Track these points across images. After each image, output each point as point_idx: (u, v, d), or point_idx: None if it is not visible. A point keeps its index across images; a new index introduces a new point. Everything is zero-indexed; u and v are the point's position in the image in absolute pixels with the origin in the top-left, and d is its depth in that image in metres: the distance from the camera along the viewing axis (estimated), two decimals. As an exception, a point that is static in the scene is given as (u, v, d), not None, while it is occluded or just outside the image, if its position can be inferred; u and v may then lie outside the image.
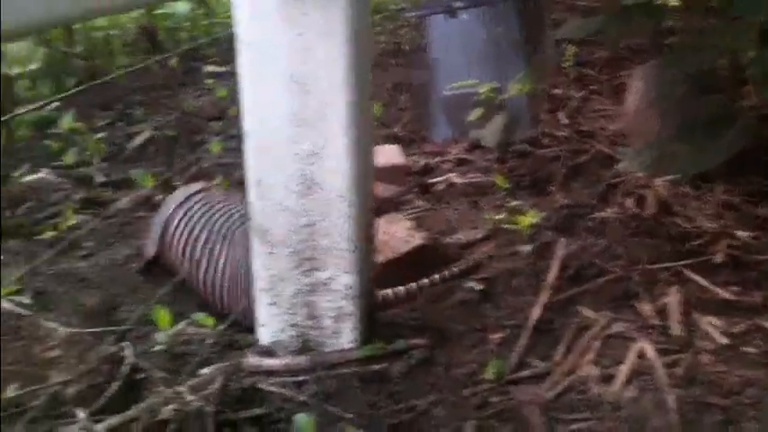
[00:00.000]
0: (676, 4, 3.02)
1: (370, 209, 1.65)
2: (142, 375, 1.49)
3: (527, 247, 2.04)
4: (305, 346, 1.61)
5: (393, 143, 3.05)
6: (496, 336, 1.68)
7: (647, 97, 2.52)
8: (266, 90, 1.51)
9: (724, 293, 1.77)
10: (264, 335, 1.62)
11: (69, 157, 2.76)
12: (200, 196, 1.94)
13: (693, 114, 2.30)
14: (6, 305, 1.41)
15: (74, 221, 2.30)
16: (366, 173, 1.60)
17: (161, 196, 2.38)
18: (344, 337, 1.60)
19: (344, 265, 1.57)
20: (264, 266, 1.59)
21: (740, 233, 2.00)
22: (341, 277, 1.57)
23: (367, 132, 1.60)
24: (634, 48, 4.14)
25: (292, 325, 1.61)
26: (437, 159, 2.84)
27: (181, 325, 1.61)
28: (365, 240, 1.62)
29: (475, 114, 2.79)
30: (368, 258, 1.64)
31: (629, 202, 2.26)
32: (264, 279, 1.59)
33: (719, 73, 2.62)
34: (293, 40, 1.47)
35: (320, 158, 1.52)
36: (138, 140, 2.93)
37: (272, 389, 1.51)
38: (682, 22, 3.72)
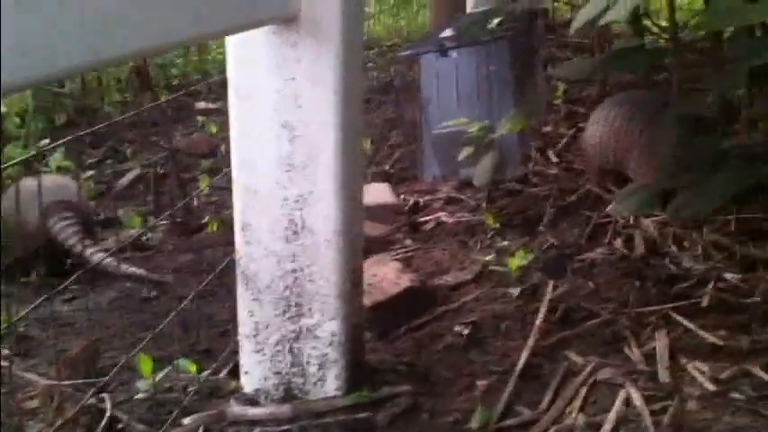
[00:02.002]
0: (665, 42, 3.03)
1: (358, 254, 1.65)
2: (120, 426, 1.47)
3: (515, 290, 2.03)
4: (289, 395, 1.59)
5: (384, 181, 3.06)
6: (483, 382, 1.67)
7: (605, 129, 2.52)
8: (255, 135, 1.52)
9: (712, 338, 1.75)
10: (248, 382, 1.60)
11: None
12: None
13: (685, 155, 2.31)
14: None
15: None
16: (354, 217, 1.60)
17: (149, 236, 2.37)
18: (329, 385, 1.58)
19: (330, 311, 1.56)
20: (249, 312, 1.58)
21: (729, 275, 1.99)
22: (326, 324, 1.56)
23: (356, 177, 1.60)
24: (623, 84, 4.17)
25: (276, 372, 1.59)
26: (427, 198, 2.84)
27: (163, 372, 1.59)
28: (352, 286, 1.61)
29: (465, 153, 2.79)
30: (354, 304, 1.63)
31: (618, 243, 2.26)
32: (249, 325, 1.58)
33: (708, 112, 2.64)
34: (283, 86, 1.48)
35: (308, 203, 1.52)
36: (127, 179, 2.93)
37: (256, 438, 1.49)
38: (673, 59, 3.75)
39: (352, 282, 1.61)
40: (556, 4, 5.20)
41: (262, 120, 1.50)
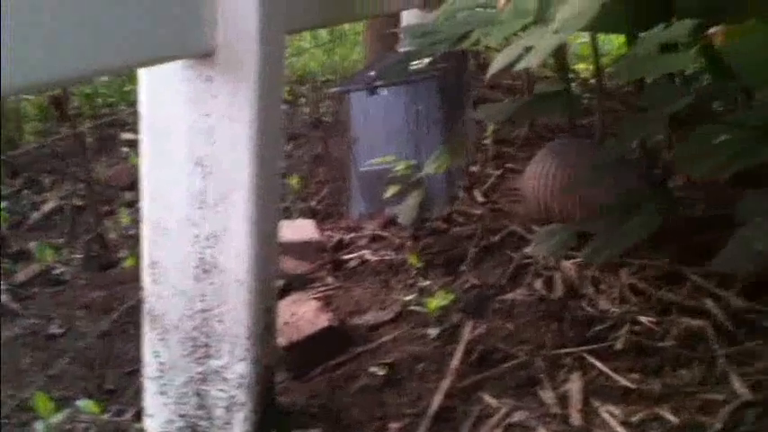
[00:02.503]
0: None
1: (272, 294, 1.61)
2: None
3: (434, 330, 2.02)
4: (195, 438, 1.54)
5: (310, 217, 3.04)
6: (396, 425, 1.65)
7: (543, 179, 2.53)
8: (167, 170, 1.49)
9: (624, 381, 1.76)
10: (152, 425, 1.55)
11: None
12: None
13: (605, 197, 2.35)
14: None
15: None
16: (268, 257, 1.56)
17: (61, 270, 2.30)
18: (236, 429, 1.53)
19: (240, 352, 1.52)
20: (154, 353, 1.53)
21: (643, 318, 2.01)
22: (235, 365, 1.52)
23: (271, 216, 1.57)
24: (552, 126, 4.25)
25: (181, 415, 1.54)
26: (352, 235, 2.82)
27: (63, 413, 1.53)
28: (265, 326, 1.57)
29: (391, 191, 2.80)
30: (266, 345, 1.59)
31: (538, 284, 2.26)
32: (154, 366, 1.53)
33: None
34: (197, 122, 1.46)
35: (220, 241, 1.49)
36: (43, 211, 2.84)
37: (157, 484, 1.43)
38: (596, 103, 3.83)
39: (265, 322, 1.57)
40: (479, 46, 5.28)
41: (174, 155, 1.47)
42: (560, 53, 2.91)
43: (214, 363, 1.52)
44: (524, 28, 1.49)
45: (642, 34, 1.62)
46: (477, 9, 1.59)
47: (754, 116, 1.79)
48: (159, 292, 1.51)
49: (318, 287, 2.40)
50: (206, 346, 1.52)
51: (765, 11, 1.73)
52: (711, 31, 1.20)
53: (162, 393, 1.53)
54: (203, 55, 1.39)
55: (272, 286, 1.60)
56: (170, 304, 1.51)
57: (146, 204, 1.51)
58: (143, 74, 1.47)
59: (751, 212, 1.59)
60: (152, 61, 1.34)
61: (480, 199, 3.05)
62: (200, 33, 1.35)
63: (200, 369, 1.52)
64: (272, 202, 1.53)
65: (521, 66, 1.42)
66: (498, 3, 1.64)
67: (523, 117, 2.22)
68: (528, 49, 1.39)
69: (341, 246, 2.74)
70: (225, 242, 1.47)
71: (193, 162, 1.45)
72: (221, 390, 1.52)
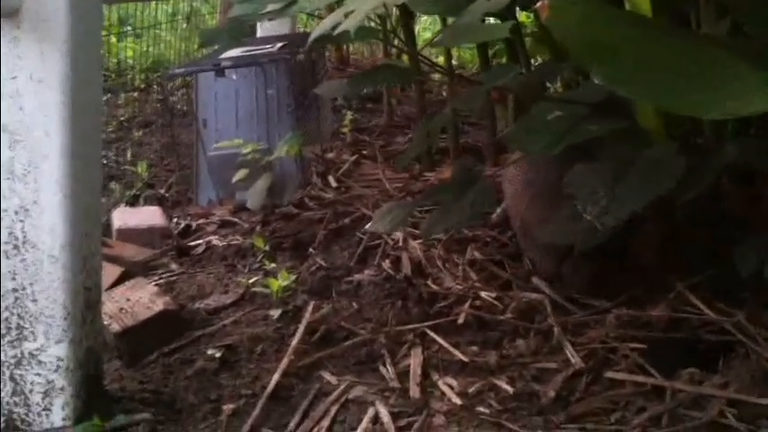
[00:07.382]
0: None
1: (93, 272, 1.52)
2: None
3: (277, 312, 1.98)
4: (10, 425, 1.44)
5: (158, 204, 2.93)
6: (230, 406, 1.59)
7: None
8: (-29, 139, 1.38)
9: (462, 354, 1.78)
10: (-39, 415, 1.44)
11: None
12: None
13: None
14: None
15: None
16: (87, 232, 1.47)
17: None
18: (55, 415, 1.44)
19: (57, 333, 1.43)
20: (-38, 337, 1.42)
21: (484, 294, 2.04)
22: (52, 348, 1.43)
23: (88, 189, 1.48)
24: (411, 116, 4.28)
25: (-5, 402, 1.44)
26: (201, 221, 2.74)
27: None
28: (86, 306, 1.49)
29: (239, 175, 2.73)
30: (89, 326, 1.50)
31: (386, 264, 2.26)
32: (-39, 351, 1.42)
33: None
34: (4, 85, 1.35)
35: (30, 215, 1.39)
36: None
37: (-36, 477, 1.33)
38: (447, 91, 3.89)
39: (87, 302, 1.49)
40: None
41: (-22, 122, 1.37)
42: (407, 27, 2.93)
43: (29, 345, 1.42)
44: (349, -5, 1.48)
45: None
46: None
47: (583, 93, 1.84)
48: (-34, 270, 1.40)
49: (161, 273, 2.31)
50: (19, 327, 1.42)
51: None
52: (538, 4, 1.20)
53: (-27, 380, 1.43)
54: (8, 13, 1.29)
55: (94, 264, 1.51)
56: (-22, 284, 1.40)
57: (-51, 175, 1.40)
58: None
59: (577, 186, 1.62)
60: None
61: (334, 184, 3.03)
62: (1, -13, 1.25)
63: (13, 352, 1.42)
64: (88, 173, 1.44)
65: (340, 29, 1.40)
66: None
67: (357, 87, 2.22)
68: (349, 14, 1.38)
69: (188, 232, 2.66)
70: (36, 216, 1.38)
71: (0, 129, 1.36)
72: (38, 374, 1.43)
